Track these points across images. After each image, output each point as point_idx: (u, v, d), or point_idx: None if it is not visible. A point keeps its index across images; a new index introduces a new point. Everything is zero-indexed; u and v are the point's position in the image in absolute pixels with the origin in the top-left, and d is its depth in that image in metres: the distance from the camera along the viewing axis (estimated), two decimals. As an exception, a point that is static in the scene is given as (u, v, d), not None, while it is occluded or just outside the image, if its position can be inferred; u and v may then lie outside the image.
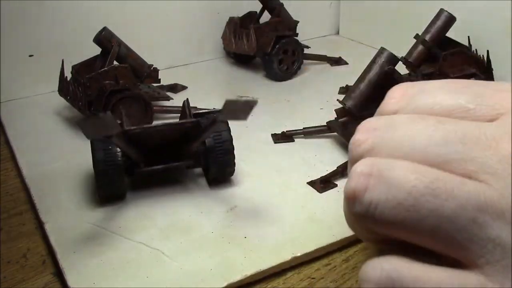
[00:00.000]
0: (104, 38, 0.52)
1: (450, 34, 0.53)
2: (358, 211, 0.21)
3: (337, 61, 0.70)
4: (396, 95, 0.24)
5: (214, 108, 0.52)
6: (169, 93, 0.58)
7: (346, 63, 0.70)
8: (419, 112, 0.23)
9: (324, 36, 0.82)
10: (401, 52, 0.54)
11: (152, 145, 0.38)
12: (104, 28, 0.52)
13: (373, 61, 0.45)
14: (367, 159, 0.21)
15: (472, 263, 0.19)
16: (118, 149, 0.38)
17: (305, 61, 0.67)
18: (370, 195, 0.20)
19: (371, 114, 0.44)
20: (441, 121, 0.21)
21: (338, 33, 0.83)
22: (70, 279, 0.32)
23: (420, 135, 0.21)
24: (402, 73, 0.51)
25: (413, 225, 0.20)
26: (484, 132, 0.20)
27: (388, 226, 0.20)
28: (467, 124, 0.21)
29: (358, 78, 0.45)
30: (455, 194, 0.19)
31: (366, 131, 0.23)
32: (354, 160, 0.22)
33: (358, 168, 0.21)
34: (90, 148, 0.38)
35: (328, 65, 0.70)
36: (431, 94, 0.23)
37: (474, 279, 0.19)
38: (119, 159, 0.38)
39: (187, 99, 0.42)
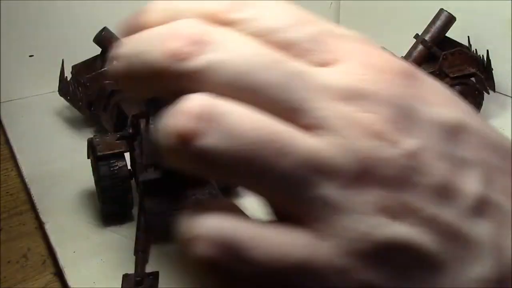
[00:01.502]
0: (104, 38, 0.52)
1: (450, 34, 0.53)
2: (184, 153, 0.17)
3: (337, 61, 0.70)
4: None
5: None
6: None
7: (346, 63, 0.70)
8: (258, 35, 0.19)
9: (324, 36, 0.82)
10: (402, 52, 0.54)
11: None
12: (104, 28, 0.52)
13: (372, 61, 0.45)
14: (199, 97, 0.17)
15: (303, 219, 0.18)
16: (123, 163, 0.37)
17: (305, 61, 0.67)
18: (203, 142, 0.17)
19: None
20: (281, 58, 0.18)
21: (338, 33, 0.83)
22: (70, 279, 0.32)
23: (262, 70, 0.18)
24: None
25: (246, 175, 0.18)
26: (320, 77, 0.18)
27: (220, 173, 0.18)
28: (307, 66, 0.19)
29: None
30: (295, 150, 0.18)
31: (188, 42, 0.18)
32: (174, 75, 0.18)
33: (188, 104, 0.17)
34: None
35: (328, 65, 0.70)
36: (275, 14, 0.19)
37: (304, 235, 0.18)
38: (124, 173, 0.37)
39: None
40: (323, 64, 0.19)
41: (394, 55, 0.21)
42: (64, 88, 0.52)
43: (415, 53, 0.53)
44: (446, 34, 0.53)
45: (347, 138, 0.19)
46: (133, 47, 0.18)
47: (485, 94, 0.51)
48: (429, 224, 0.19)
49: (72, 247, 0.35)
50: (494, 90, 0.53)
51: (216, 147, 0.17)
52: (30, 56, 0.60)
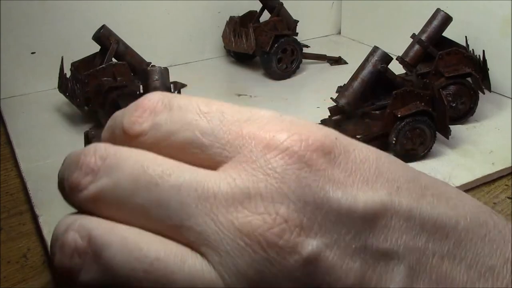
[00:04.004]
0: (103, 36, 0.53)
1: (449, 34, 0.53)
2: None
3: (337, 61, 0.71)
4: (144, 109, 0.20)
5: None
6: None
7: (346, 63, 0.70)
8: (158, 141, 0.19)
9: (326, 36, 0.83)
10: (402, 52, 0.54)
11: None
12: (103, 26, 0.53)
13: (366, 60, 0.45)
14: (74, 231, 0.18)
15: None
16: None
17: (305, 60, 0.67)
18: (82, 277, 0.18)
19: (363, 112, 0.45)
20: (165, 172, 0.18)
21: (339, 33, 0.83)
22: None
23: (144, 191, 0.18)
24: (399, 73, 0.51)
25: None
26: (210, 193, 0.18)
27: None
28: (194, 177, 0.18)
29: (352, 77, 0.46)
30: (175, 279, 0.17)
31: (86, 171, 0.19)
32: (71, 202, 0.19)
33: (70, 236, 0.18)
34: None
35: (328, 64, 0.70)
36: (174, 118, 0.20)
37: None
38: None
39: (179, 90, 0.43)
40: (215, 164, 0.19)
41: (317, 125, 0.19)
42: (64, 85, 0.53)
43: (411, 53, 0.53)
44: (443, 34, 0.53)
45: (229, 255, 0.17)
46: (60, 174, 0.21)
47: (482, 94, 0.51)
48: None
49: (64, 240, 0.35)
50: (490, 90, 0.53)
51: (94, 281, 0.18)
52: (32, 53, 0.61)
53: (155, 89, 0.40)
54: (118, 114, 0.21)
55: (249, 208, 0.17)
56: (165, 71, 0.40)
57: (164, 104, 0.20)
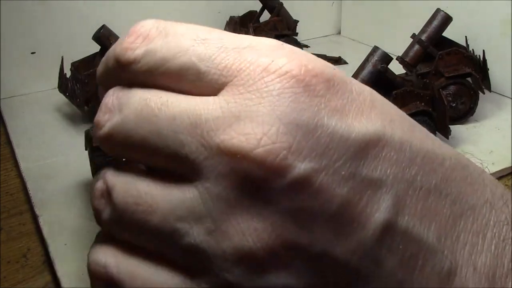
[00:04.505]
0: (103, 36, 0.52)
1: (449, 34, 0.53)
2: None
3: (337, 61, 0.71)
4: (137, 35, 0.20)
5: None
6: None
7: (346, 63, 0.70)
8: (153, 69, 0.20)
9: (326, 36, 0.83)
10: (402, 52, 0.54)
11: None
12: (103, 26, 0.53)
13: (366, 60, 0.45)
14: (109, 172, 0.21)
15: (183, 273, 0.19)
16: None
17: (304, 60, 0.67)
18: (104, 216, 0.21)
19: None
20: (164, 103, 0.19)
21: (339, 33, 0.83)
22: (59, 269, 0.32)
23: (141, 127, 0.19)
24: (399, 73, 0.51)
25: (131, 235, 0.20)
26: (202, 118, 0.18)
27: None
28: (189, 105, 0.18)
29: (351, 77, 0.45)
30: (159, 206, 0.19)
31: (104, 111, 0.21)
32: (96, 141, 0.22)
33: (98, 183, 0.21)
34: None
35: (327, 64, 0.70)
36: (169, 45, 0.20)
37: (177, 277, 0.19)
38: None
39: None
40: (213, 90, 0.19)
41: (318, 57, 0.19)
42: (64, 85, 0.53)
43: (411, 53, 0.53)
44: (443, 34, 0.53)
45: (215, 180, 0.17)
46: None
47: (482, 94, 0.51)
48: (316, 264, 0.17)
49: (64, 240, 0.35)
50: (490, 90, 0.53)
51: (110, 220, 0.20)
52: (32, 53, 0.61)
53: None
54: (112, 46, 0.22)
55: (237, 130, 0.17)
56: None
57: (159, 30, 0.20)
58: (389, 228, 0.18)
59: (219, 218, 0.17)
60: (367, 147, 0.18)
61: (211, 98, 0.19)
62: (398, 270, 0.18)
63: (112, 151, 0.21)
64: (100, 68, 0.22)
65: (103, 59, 0.22)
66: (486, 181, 0.21)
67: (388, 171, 0.18)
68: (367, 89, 0.20)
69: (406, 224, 0.18)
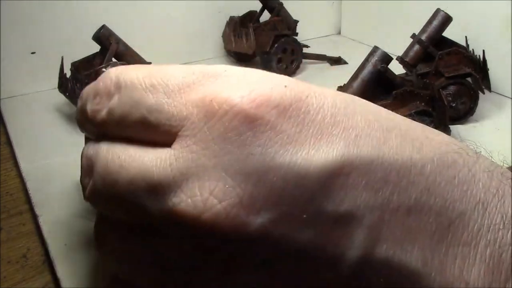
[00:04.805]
0: (103, 36, 0.53)
1: (449, 34, 0.53)
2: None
3: (337, 61, 0.70)
4: (101, 94, 0.21)
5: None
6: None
7: (346, 63, 0.70)
8: (117, 126, 0.21)
9: (326, 36, 0.83)
10: (402, 52, 0.54)
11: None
12: (103, 26, 0.53)
13: (366, 60, 0.45)
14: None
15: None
16: None
17: (305, 60, 0.67)
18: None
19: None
20: (121, 165, 0.19)
21: (339, 33, 0.83)
22: (59, 270, 0.32)
23: (106, 192, 0.20)
24: (399, 73, 0.51)
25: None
26: (155, 181, 0.18)
27: None
28: (143, 165, 0.18)
29: (351, 77, 0.46)
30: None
31: (84, 175, 0.23)
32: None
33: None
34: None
35: (328, 64, 0.70)
36: (123, 100, 0.20)
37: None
38: None
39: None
40: (170, 140, 0.18)
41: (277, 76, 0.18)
42: (64, 85, 0.53)
43: (411, 53, 0.53)
44: (443, 34, 0.53)
45: (170, 248, 0.18)
46: None
47: (482, 94, 0.51)
48: None
49: (64, 240, 0.35)
50: (490, 90, 0.53)
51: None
52: (32, 53, 0.61)
53: None
54: (85, 93, 0.23)
55: (185, 192, 0.16)
56: None
57: (115, 84, 0.21)
58: (365, 264, 0.16)
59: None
60: (330, 178, 0.16)
61: (164, 153, 0.18)
62: None
63: (99, 208, 0.23)
64: (78, 116, 0.25)
65: (79, 108, 0.24)
66: (478, 175, 0.19)
67: (358, 201, 0.16)
68: (328, 101, 0.18)
69: (385, 254, 0.16)
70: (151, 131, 0.19)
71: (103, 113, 0.21)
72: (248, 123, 0.16)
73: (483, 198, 0.18)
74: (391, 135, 0.18)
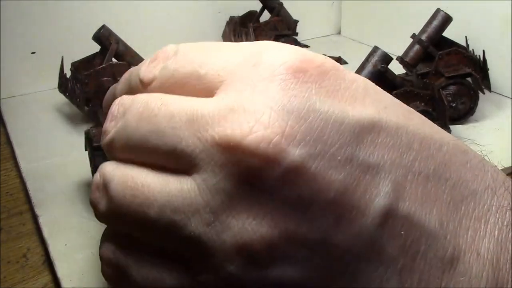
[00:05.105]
0: (103, 36, 0.53)
1: (449, 34, 0.53)
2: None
3: (337, 61, 0.70)
4: (158, 59, 0.22)
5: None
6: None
7: (346, 63, 0.70)
8: (164, 82, 0.21)
9: (326, 36, 0.83)
10: (402, 52, 0.54)
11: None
12: (103, 26, 0.53)
13: (366, 60, 0.45)
14: (108, 166, 0.22)
15: (182, 266, 0.19)
16: None
17: (304, 60, 0.67)
18: (99, 209, 0.22)
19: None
20: (165, 103, 0.20)
21: (339, 33, 0.83)
22: (59, 270, 0.32)
23: (142, 127, 0.20)
24: (399, 73, 0.51)
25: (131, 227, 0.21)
26: (198, 114, 0.19)
27: None
28: (187, 103, 0.19)
29: (352, 77, 0.45)
30: (156, 198, 0.19)
31: (111, 119, 0.22)
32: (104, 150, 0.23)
33: (96, 176, 0.22)
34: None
35: (327, 64, 0.70)
36: (179, 58, 0.21)
37: (177, 272, 0.19)
38: None
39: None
40: (214, 90, 0.19)
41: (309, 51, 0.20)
42: (64, 85, 0.53)
43: (411, 53, 0.53)
44: (443, 34, 0.53)
45: (212, 172, 0.18)
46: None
47: (482, 94, 0.51)
48: (316, 253, 0.17)
49: (64, 240, 0.35)
50: (490, 90, 0.53)
51: (106, 212, 0.21)
52: (32, 53, 0.61)
53: None
54: (134, 68, 0.24)
55: (230, 121, 0.17)
56: None
57: (174, 51, 0.22)
58: (389, 214, 0.17)
59: (218, 209, 0.17)
60: (362, 132, 0.18)
61: (208, 98, 0.19)
62: (400, 256, 0.17)
63: (116, 156, 0.22)
64: (122, 86, 0.24)
65: (124, 77, 0.24)
66: (486, 167, 0.20)
67: (386, 157, 0.18)
68: (361, 78, 0.20)
69: (407, 210, 0.18)
70: (197, 83, 0.20)
71: (155, 71, 0.22)
72: (293, 73, 0.18)
73: (492, 185, 0.20)
74: (414, 115, 0.20)
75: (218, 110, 0.18)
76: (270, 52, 0.19)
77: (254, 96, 0.18)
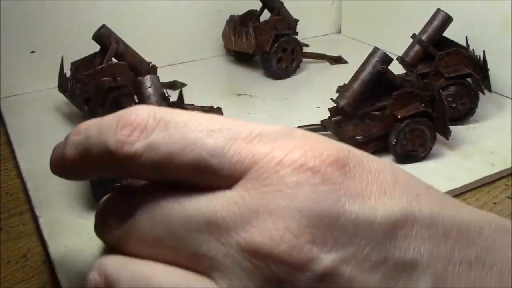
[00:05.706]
0: (103, 36, 0.53)
1: (449, 34, 0.53)
2: None
3: (337, 60, 0.70)
4: (133, 126, 0.19)
5: (211, 106, 0.52)
6: (168, 91, 0.58)
7: (346, 62, 0.70)
8: (158, 164, 0.19)
9: (326, 35, 0.83)
10: (402, 52, 0.54)
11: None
12: (103, 26, 0.53)
13: (366, 61, 0.45)
14: (100, 265, 0.20)
15: None
16: None
17: (305, 59, 0.67)
18: None
19: (363, 113, 0.45)
20: (176, 201, 0.18)
21: (339, 32, 0.83)
22: (59, 271, 0.32)
23: (155, 229, 0.19)
24: (399, 73, 0.51)
25: None
26: (218, 216, 0.17)
27: None
28: (203, 203, 0.18)
29: (352, 77, 0.46)
30: None
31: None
32: None
33: (91, 275, 0.20)
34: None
35: (328, 64, 0.70)
36: (173, 138, 0.19)
37: None
38: None
39: (181, 89, 0.43)
40: (227, 184, 0.18)
41: (330, 140, 0.19)
42: (63, 85, 0.53)
43: (411, 53, 0.53)
44: (444, 34, 0.53)
45: (239, 278, 0.17)
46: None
47: (482, 95, 0.51)
48: None
49: (64, 240, 0.35)
50: (490, 90, 0.53)
51: None
52: (32, 52, 0.61)
53: (149, 97, 0.40)
54: (88, 127, 0.20)
55: (257, 226, 0.17)
56: (156, 78, 0.40)
57: (156, 120, 0.19)
58: None
59: None
60: (395, 228, 0.17)
61: (224, 193, 0.18)
62: None
63: (125, 250, 0.20)
64: (71, 152, 0.21)
65: (76, 141, 0.21)
66: None
67: (422, 250, 0.17)
68: (387, 165, 0.19)
69: None
70: (210, 176, 0.18)
71: (137, 146, 0.19)
72: (319, 177, 0.17)
73: None
74: (447, 200, 0.19)
75: (240, 212, 0.17)
76: (295, 154, 0.18)
77: (281, 200, 0.17)
